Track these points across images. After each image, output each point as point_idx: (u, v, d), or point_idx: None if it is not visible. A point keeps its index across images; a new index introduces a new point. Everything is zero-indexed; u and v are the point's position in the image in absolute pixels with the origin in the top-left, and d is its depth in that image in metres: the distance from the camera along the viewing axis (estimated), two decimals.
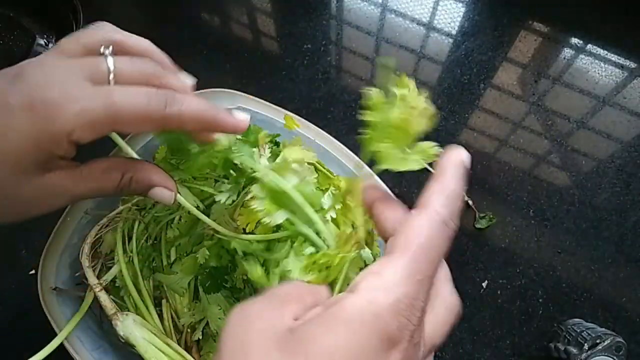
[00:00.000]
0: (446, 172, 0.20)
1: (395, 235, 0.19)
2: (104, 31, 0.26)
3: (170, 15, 0.73)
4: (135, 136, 0.42)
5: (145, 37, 0.27)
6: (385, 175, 0.60)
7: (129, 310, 0.39)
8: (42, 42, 0.67)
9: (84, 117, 0.22)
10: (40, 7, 0.68)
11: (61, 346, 0.37)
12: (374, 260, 0.41)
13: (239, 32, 0.73)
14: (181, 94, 0.25)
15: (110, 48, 0.25)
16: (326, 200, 0.37)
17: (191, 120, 0.25)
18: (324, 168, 0.41)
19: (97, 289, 0.38)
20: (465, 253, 0.55)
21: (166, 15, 0.73)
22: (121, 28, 0.27)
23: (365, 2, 0.73)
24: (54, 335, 0.37)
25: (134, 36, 0.27)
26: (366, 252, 0.41)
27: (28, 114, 0.21)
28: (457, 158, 0.21)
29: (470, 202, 0.57)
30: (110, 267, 0.41)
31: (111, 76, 0.24)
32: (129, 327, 0.36)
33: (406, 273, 0.17)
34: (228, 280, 0.42)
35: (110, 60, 0.24)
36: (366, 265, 0.39)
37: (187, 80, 0.28)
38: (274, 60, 0.69)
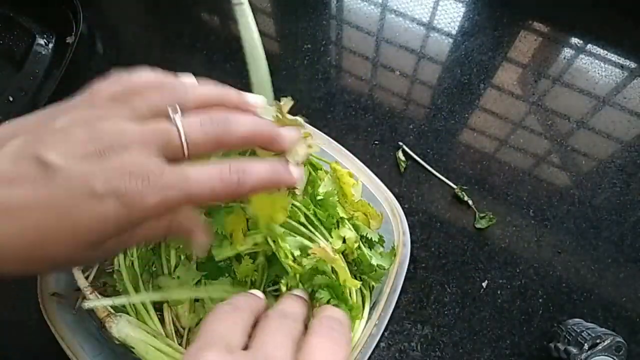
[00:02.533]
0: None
1: None
2: (172, 90, 0.25)
3: (170, 15, 0.73)
4: None
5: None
6: (385, 175, 0.60)
7: (129, 315, 0.39)
8: (42, 42, 0.67)
9: (162, 206, 0.23)
10: (40, 7, 0.68)
11: (62, 353, 0.37)
12: (379, 239, 0.42)
13: (239, 32, 0.73)
14: (251, 166, 0.25)
15: (179, 112, 0.25)
16: (326, 184, 0.38)
17: (258, 188, 0.26)
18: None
19: (88, 292, 0.38)
20: (465, 253, 0.55)
21: (166, 15, 0.73)
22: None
23: (365, 2, 0.73)
24: (54, 340, 0.37)
25: (199, 88, 0.27)
26: (372, 234, 0.41)
27: (113, 201, 0.21)
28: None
29: (470, 202, 0.57)
30: (108, 271, 0.41)
31: (185, 150, 0.24)
32: (124, 328, 0.36)
33: None
34: (230, 269, 0.41)
35: (182, 130, 0.24)
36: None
37: (255, 103, 0.30)
38: (274, 60, 0.69)
